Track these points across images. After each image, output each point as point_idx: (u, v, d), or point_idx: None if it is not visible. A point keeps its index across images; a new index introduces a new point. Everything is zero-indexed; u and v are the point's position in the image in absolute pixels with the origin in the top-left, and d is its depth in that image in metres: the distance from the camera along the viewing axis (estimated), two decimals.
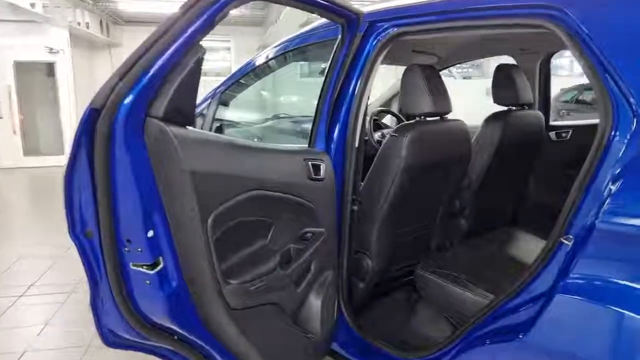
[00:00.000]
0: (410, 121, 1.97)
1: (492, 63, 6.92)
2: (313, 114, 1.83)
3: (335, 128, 1.80)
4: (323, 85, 1.78)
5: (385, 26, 1.75)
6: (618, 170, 1.15)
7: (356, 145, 1.81)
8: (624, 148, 1.15)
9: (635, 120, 1.15)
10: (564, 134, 2.65)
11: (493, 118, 2.28)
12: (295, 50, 2.43)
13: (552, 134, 2.65)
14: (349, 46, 1.76)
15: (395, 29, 1.73)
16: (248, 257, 1.41)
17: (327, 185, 1.68)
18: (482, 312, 1.48)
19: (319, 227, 1.67)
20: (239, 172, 1.33)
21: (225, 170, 1.29)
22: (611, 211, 1.12)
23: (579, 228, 1.20)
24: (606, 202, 1.14)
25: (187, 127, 1.24)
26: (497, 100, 2.37)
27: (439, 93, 1.93)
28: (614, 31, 1.22)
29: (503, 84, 2.31)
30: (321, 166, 1.66)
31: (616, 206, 1.12)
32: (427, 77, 1.89)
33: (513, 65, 2.38)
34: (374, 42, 1.78)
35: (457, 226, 2.43)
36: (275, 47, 2.54)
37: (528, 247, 2.15)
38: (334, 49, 1.79)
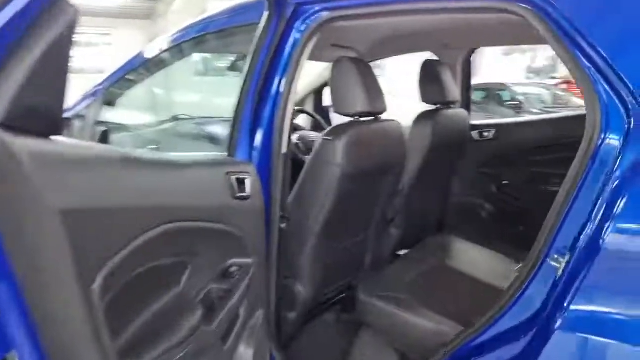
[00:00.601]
0: (344, 122, 1.70)
1: (394, 63, 6.99)
2: (231, 115, 1.48)
3: (259, 132, 1.46)
4: (244, 81, 1.43)
5: (315, 9, 1.46)
6: (615, 178, 0.97)
7: (283, 151, 1.49)
8: (617, 152, 0.98)
9: (629, 120, 0.98)
10: (485, 133, 2.57)
11: (423, 117, 2.11)
12: (199, 39, 2.03)
13: (475, 134, 2.57)
14: (274, 34, 1.43)
15: (327, 13, 1.44)
16: (157, 318, 1.01)
17: (255, 205, 1.34)
18: (447, 348, 1.25)
19: (246, 257, 1.32)
20: (139, 201, 0.92)
21: (118, 201, 0.87)
22: (619, 226, 0.93)
23: (573, 247, 1.01)
24: (608, 215, 0.95)
25: (52, 137, 0.81)
26: (424, 98, 2.20)
27: (375, 90, 1.69)
28: (600, 16, 1.04)
29: (430, 81, 2.16)
30: (247, 180, 1.31)
31: (623, 220, 0.94)
32: (361, 72, 1.64)
33: (439, 61, 2.22)
34: (302, 29, 1.48)
35: (389, 236, 2.22)
36: (175, 35, 2.11)
37: (468, 257, 2.01)
38: (257, 37, 1.45)
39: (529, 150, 2.44)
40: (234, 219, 1.24)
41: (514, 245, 2.13)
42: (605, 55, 0.99)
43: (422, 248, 2.10)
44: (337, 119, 3.02)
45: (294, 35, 1.48)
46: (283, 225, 1.55)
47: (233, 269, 1.27)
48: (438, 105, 2.23)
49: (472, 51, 2.53)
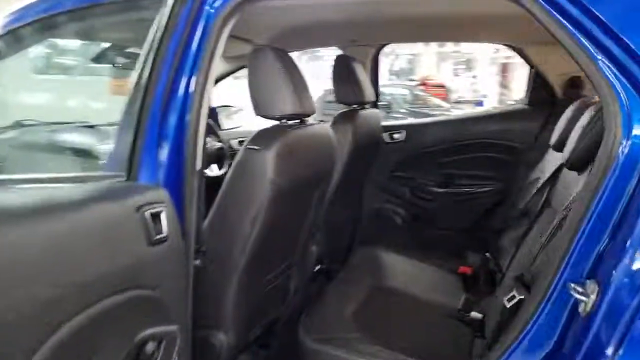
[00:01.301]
0: (268, 127, 1.38)
1: None
2: (119, 121, 1.07)
3: (165, 144, 1.07)
4: (147, 80, 1.04)
5: None
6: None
7: (198, 167, 1.13)
8: None
9: None
10: (396, 135, 2.44)
11: (342, 119, 1.88)
12: (45, 21, 1.49)
13: (386, 135, 2.42)
14: (187, 18, 1.06)
15: None
16: None
17: (175, 246, 0.96)
18: None
19: (169, 323, 0.92)
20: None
21: None
22: None
23: (605, 275, 0.83)
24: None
25: None
26: (339, 97, 1.98)
27: (303, 88, 1.38)
28: None
29: (345, 79, 1.94)
30: (163, 214, 0.92)
31: None
32: (286, 65, 1.32)
33: (352, 57, 2.01)
34: (216, 7, 1.12)
35: (311, 255, 1.95)
36: (10, 17, 1.54)
37: (402, 271, 1.82)
38: (161, 21, 1.06)
39: (440, 151, 2.36)
40: (150, 275, 0.84)
41: (431, 250, 2.03)
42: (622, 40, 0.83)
43: (352, 267, 1.86)
44: (227, 121, 2.67)
45: (206, 18, 1.11)
46: (198, 262, 1.18)
47: (150, 347, 0.86)
48: (354, 106, 2.03)
49: (381, 48, 2.37)
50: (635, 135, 0.81)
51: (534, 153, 2.12)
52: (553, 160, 1.63)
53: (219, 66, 2.52)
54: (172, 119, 1.08)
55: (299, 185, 1.40)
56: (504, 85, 15.16)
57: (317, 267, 2.03)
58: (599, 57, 0.83)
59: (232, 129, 2.56)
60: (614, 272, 0.79)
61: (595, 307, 0.80)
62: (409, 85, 10.92)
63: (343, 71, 1.95)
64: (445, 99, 12.12)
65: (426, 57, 15.67)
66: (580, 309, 0.83)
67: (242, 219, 1.29)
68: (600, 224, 0.83)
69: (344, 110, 2.05)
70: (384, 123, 2.46)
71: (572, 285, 0.85)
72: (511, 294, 1.01)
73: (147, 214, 0.87)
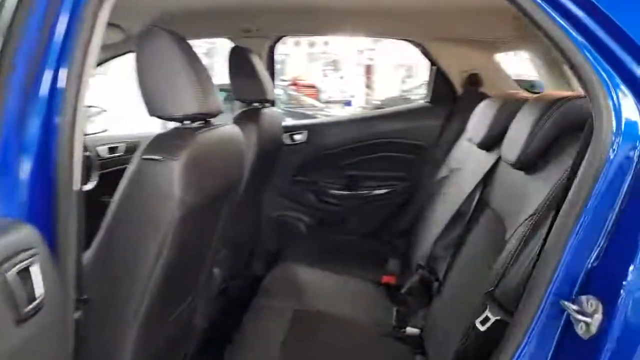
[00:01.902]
0: (168, 131, 1.09)
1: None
2: None
3: (28, 158, 0.75)
4: None
5: None
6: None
7: (76, 186, 0.82)
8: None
9: None
10: (297, 136, 2.25)
11: (244, 120, 1.64)
12: None
13: (286, 137, 2.22)
14: None
15: None
16: None
17: (56, 312, 0.65)
18: None
19: None
20: None
21: None
22: None
23: (611, 290, 0.73)
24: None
25: None
26: (238, 95, 1.74)
27: (207, 80, 1.12)
28: None
29: (244, 74, 1.71)
30: (33, 268, 0.61)
31: None
32: (186, 52, 1.05)
33: (250, 50, 1.77)
34: None
35: (215, 280, 1.67)
36: None
37: (322, 289, 1.64)
38: None
39: (343, 152, 2.23)
40: None
41: (343, 257, 1.89)
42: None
43: (267, 290, 1.62)
44: (88, 125, 2.22)
45: None
46: (77, 316, 0.87)
47: None
48: (256, 104, 1.80)
49: (278, 40, 2.16)
50: (626, 132, 0.73)
51: (439, 150, 2.10)
52: (469, 157, 1.59)
53: None
54: (34, 124, 0.75)
55: (209, 200, 1.14)
56: (368, 85, 15.98)
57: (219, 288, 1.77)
58: (588, 47, 0.73)
59: (96, 133, 2.14)
60: (621, 289, 0.69)
61: (602, 328, 0.70)
62: (283, 86, 10.87)
63: (241, 65, 1.71)
64: (316, 99, 12.31)
65: (296, 57, 15.79)
66: (580, 330, 0.72)
67: (142, 251, 0.99)
68: (592, 232, 0.74)
69: (245, 109, 1.80)
70: (285, 123, 2.27)
71: (565, 302, 0.74)
72: (484, 315, 0.89)
73: (11, 274, 0.55)
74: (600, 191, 0.72)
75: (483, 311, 0.90)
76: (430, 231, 1.62)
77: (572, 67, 0.74)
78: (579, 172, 0.75)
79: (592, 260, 0.74)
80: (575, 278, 0.75)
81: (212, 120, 1.20)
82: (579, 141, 0.96)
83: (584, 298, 0.73)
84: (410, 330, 1.36)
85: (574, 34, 0.74)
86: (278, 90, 10.35)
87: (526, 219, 0.92)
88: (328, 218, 2.29)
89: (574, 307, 0.73)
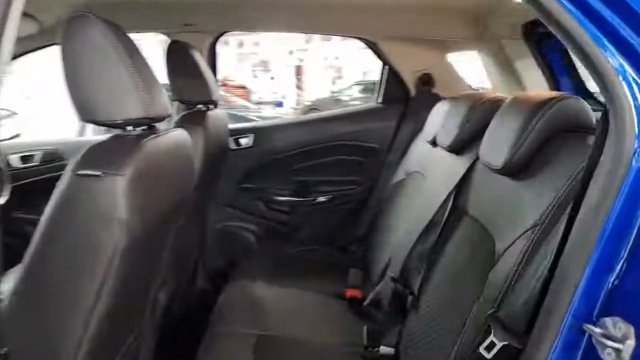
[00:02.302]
0: (105, 139, 0.91)
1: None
2: None
3: None
4: None
5: None
6: None
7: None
8: None
9: None
10: (243, 140, 2.08)
11: (189, 124, 1.46)
12: None
13: (230, 141, 2.04)
14: None
15: None
16: None
17: None
18: None
19: None
20: None
21: None
22: None
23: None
24: None
25: None
26: (178, 95, 1.57)
27: (152, 78, 0.95)
28: None
29: (185, 72, 1.54)
30: None
31: None
32: (124, 43, 0.88)
33: (191, 45, 1.59)
34: None
35: (160, 307, 1.48)
36: None
37: (290, 309, 1.49)
38: None
39: (292, 157, 2.10)
40: None
41: (301, 271, 1.77)
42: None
43: (223, 314, 1.44)
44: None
45: None
46: None
47: None
48: (200, 106, 1.62)
49: (219, 36, 1.98)
50: None
51: (393, 153, 2.04)
52: (434, 161, 1.52)
53: None
54: None
55: (159, 219, 0.96)
56: (299, 86, 15.95)
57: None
58: (609, 48, 0.65)
59: (7, 139, 1.86)
60: None
61: (637, 354, 0.63)
62: None
63: (182, 62, 1.53)
64: (247, 99, 12.07)
65: (224, 57, 15.39)
66: (608, 357, 0.64)
67: (78, 289, 0.81)
68: (614, 245, 0.67)
69: (189, 111, 1.62)
70: (232, 126, 2.09)
71: (589, 326, 0.66)
72: (489, 340, 0.80)
73: None
74: (622, 200, 0.65)
75: (485, 335, 0.81)
76: (395, 239, 1.53)
77: (594, 69, 0.67)
78: (597, 180, 0.68)
79: (614, 277, 0.67)
80: (596, 297, 0.67)
81: (157, 125, 1.02)
82: (573, 143, 0.91)
83: (608, 320, 0.65)
84: (384, 349, 1.26)
85: (602, 38, 0.66)
86: None
87: (525, 231, 0.85)
88: (279, 227, 2.15)
89: (598, 330, 0.65)
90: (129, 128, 0.91)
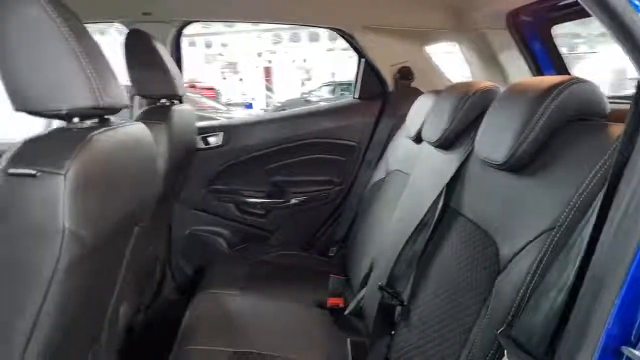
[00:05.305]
0: (48, 132, 0.76)
1: None
2: None
3: None
4: None
5: None
6: None
7: None
8: None
9: None
10: (212, 139, 1.94)
11: (151, 119, 1.33)
12: None
13: (199, 139, 1.90)
14: None
15: None
16: None
17: None
18: None
19: None
20: None
21: None
22: None
23: None
24: None
25: None
26: (140, 88, 1.43)
27: (101, 63, 0.81)
28: None
29: (146, 63, 1.40)
30: None
31: None
32: (68, 22, 0.74)
33: (151, 35, 1.44)
34: None
35: (121, 320, 1.33)
36: None
37: (266, 321, 1.36)
38: None
39: (265, 156, 1.97)
40: None
41: (278, 279, 1.64)
42: None
43: (192, 328, 1.30)
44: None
45: None
46: None
47: None
48: (163, 101, 1.48)
49: (183, 27, 1.83)
50: None
51: (373, 150, 1.93)
52: (419, 158, 1.42)
53: None
54: None
55: (113, 228, 0.82)
56: (268, 88, 15.78)
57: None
58: None
59: None
60: None
61: None
62: None
63: (142, 52, 1.39)
64: (217, 101, 11.85)
65: (192, 59, 15.08)
66: None
67: (12, 312, 0.67)
68: None
69: (149, 106, 1.47)
70: (201, 124, 1.95)
71: (629, 349, 0.57)
72: None
73: None
74: None
75: (495, 355, 0.70)
76: (378, 243, 1.42)
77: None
78: (629, 180, 0.58)
79: None
80: (635, 316, 0.57)
81: (111, 118, 0.88)
82: (588, 133, 0.80)
83: None
84: None
85: None
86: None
87: (539, 235, 0.74)
88: (252, 232, 2.01)
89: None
90: (75, 120, 0.77)
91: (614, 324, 0.57)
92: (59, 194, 0.64)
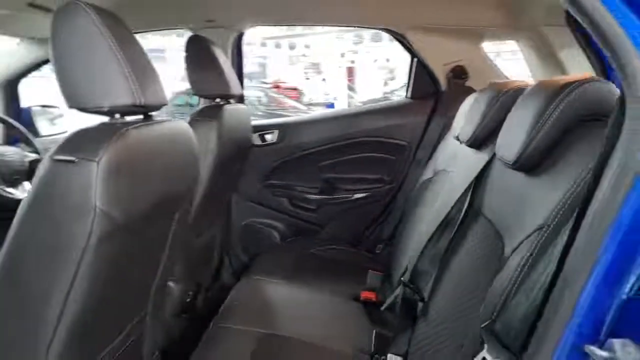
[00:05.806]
0: (90, 127, 0.89)
1: None
2: None
3: None
4: None
5: None
6: None
7: None
8: None
9: None
10: (268, 136, 2.05)
11: (204, 117, 1.46)
12: None
13: (255, 137, 2.02)
14: None
15: None
16: None
17: None
18: None
19: None
20: None
21: None
22: None
23: None
24: None
25: None
26: (197, 89, 1.55)
27: (144, 65, 0.93)
28: None
29: (204, 66, 1.53)
30: None
31: None
32: (113, 29, 0.86)
33: (210, 40, 1.58)
34: None
35: (170, 298, 1.48)
36: None
37: (300, 308, 1.44)
38: None
39: (319, 153, 2.04)
40: None
41: (319, 270, 1.70)
42: None
43: (228, 309, 1.42)
44: (48, 126, 2.00)
45: None
46: None
47: None
48: (217, 100, 1.61)
49: (243, 33, 1.96)
50: None
51: (423, 150, 1.93)
52: (458, 158, 1.41)
53: (31, 52, 1.85)
54: None
55: (149, 212, 0.93)
56: (350, 87, 15.86)
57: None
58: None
59: (54, 135, 1.93)
60: None
61: None
62: (263, 88, 10.69)
63: (201, 56, 1.52)
64: (299, 101, 12.14)
65: (277, 60, 15.63)
66: None
67: (49, 278, 0.79)
68: (627, 254, 0.56)
69: (206, 105, 1.61)
70: (253, 122, 2.07)
71: (592, 348, 0.56)
72: (481, 356, 0.70)
73: None
74: (638, 199, 0.54)
75: (478, 349, 0.71)
76: (413, 241, 1.44)
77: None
78: (608, 175, 0.57)
79: (626, 292, 0.56)
80: (603, 313, 0.57)
81: (154, 114, 1.00)
82: (595, 133, 0.78)
83: (617, 343, 0.55)
84: (391, 358, 1.17)
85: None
86: (258, 92, 10.23)
87: (532, 233, 0.74)
88: (303, 225, 2.10)
89: (604, 354, 0.55)
90: (117, 116, 0.89)
91: (582, 321, 0.56)
92: (92, 179, 0.76)
